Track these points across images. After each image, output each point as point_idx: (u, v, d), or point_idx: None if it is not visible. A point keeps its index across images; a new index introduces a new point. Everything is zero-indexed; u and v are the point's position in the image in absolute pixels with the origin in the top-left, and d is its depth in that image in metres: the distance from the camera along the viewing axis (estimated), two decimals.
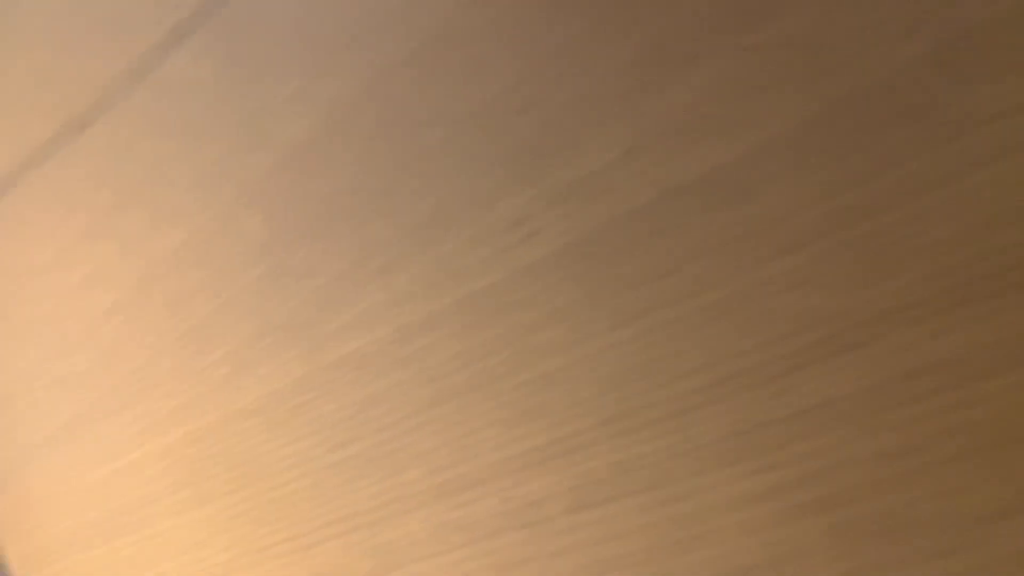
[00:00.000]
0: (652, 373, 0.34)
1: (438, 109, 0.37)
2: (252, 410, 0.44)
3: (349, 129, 0.39)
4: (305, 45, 0.39)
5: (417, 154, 0.37)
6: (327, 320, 0.41)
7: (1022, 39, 0.27)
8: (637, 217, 0.33)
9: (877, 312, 0.30)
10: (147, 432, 0.49)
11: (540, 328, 0.35)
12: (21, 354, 0.55)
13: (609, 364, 0.34)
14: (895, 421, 0.30)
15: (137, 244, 0.47)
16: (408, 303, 0.38)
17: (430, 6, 0.36)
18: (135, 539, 0.51)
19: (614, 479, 0.34)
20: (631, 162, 0.33)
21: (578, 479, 0.35)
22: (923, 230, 0.29)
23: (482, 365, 0.36)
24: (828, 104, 0.30)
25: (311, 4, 0.39)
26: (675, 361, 0.33)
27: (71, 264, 0.51)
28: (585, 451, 0.35)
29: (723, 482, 0.33)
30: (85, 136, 0.49)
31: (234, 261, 0.43)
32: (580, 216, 0.34)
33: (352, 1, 0.38)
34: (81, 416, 0.52)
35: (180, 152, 0.45)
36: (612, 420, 0.34)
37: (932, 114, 0.29)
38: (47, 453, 0.54)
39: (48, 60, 0.49)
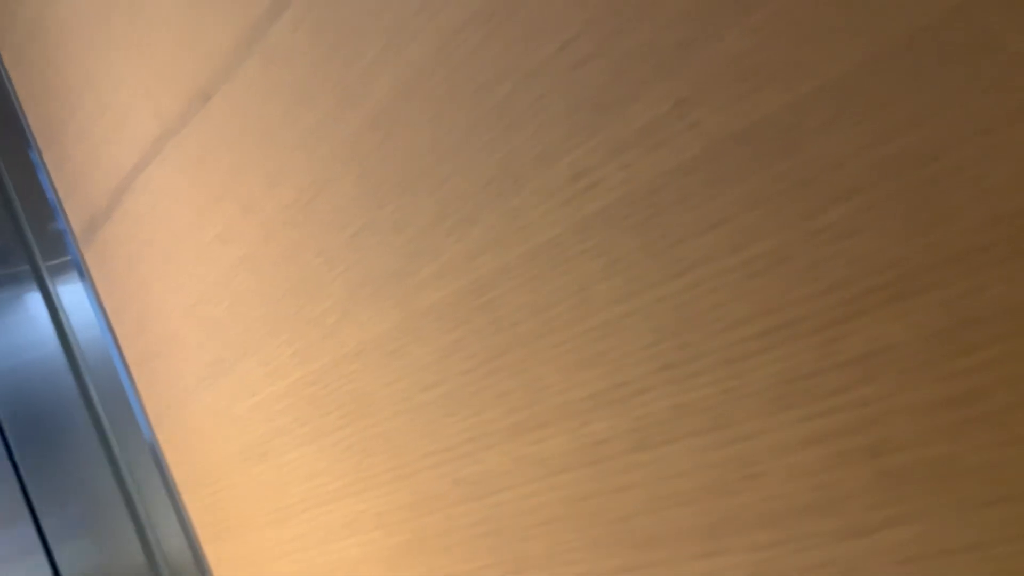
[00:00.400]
0: (707, 321, 0.34)
1: (502, 67, 0.38)
2: (356, 354, 0.49)
3: (423, 90, 0.41)
4: (381, 11, 0.42)
5: (485, 112, 0.39)
6: (415, 271, 0.44)
7: None
8: (690, 168, 0.34)
9: (932, 260, 0.29)
10: (273, 373, 0.55)
11: (600, 279, 0.37)
12: (178, 300, 0.62)
13: (665, 313, 0.35)
14: (950, 370, 0.29)
15: (256, 203, 0.52)
16: (481, 256, 0.40)
17: None
18: (271, 466, 0.57)
19: (672, 422, 0.36)
20: (685, 113, 0.34)
21: (638, 421, 0.37)
22: (980, 174, 0.28)
23: (547, 315, 0.38)
24: (880, 47, 0.29)
25: None
26: (729, 309, 0.34)
27: (206, 223, 0.57)
28: (644, 395, 0.36)
29: (776, 427, 0.33)
30: (209, 105, 0.54)
31: (334, 217, 0.47)
32: (636, 168, 0.35)
33: None
34: (223, 357, 0.58)
35: (285, 117, 0.49)
36: (669, 366, 0.35)
37: (986, 54, 0.27)
38: (202, 387, 0.62)
39: (176, 36, 0.54)
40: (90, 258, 0.70)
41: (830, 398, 0.32)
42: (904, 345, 0.30)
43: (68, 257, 0.77)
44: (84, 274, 0.72)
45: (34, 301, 0.81)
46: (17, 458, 0.78)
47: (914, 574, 0.31)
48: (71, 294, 0.78)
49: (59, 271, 0.78)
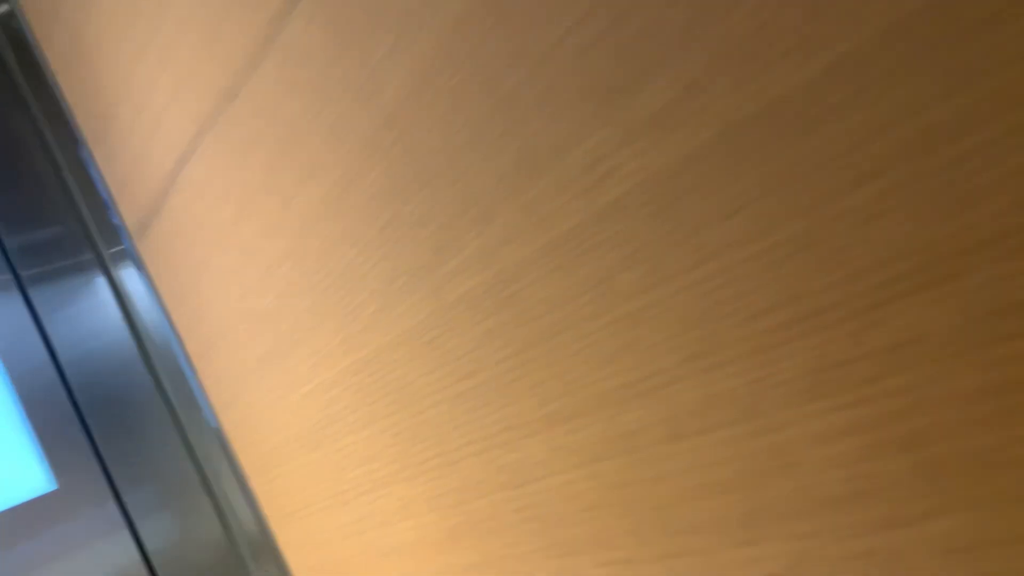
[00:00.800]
0: (732, 311, 0.33)
1: (513, 52, 0.37)
2: (396, 344, 0.49)
3: (436, 82, 0.40)
4: (388, 3, 0.41)
5: (495, 104, 0.38)
6: (441, 264, 0.44)
7: None
8: (706, 152, 0.32)
9: (966, 244, 0.27)
10: (322, 363, 0.56)
11: (622, 269, 0.36)
12: (228, 294, 0.64)
13: (690, 302, 0.34)
14: (986, 360, 0.28)
15: (292, 197, 0.53)
16: (502, 249, 0.40)
17: None
18: (326, 452, 0.59)
19: (703, 412, 0.35)
20: (696, 96, 0.32)
21: (670, 412, 0.36)
22: (1010, 152, 0.26)
23: (571, 307, 0.38)
24: (900, 16, 0.27)
25: None
26: (756, 298, 0.33)
27: (248, 216, 0.58)
28: (674, 386, 0.35)
29: (809, 416, 0.32)
30: (236, 104, 0.54)
31: (364, 211, 0.47)
32: (651, 155, 0.34)
33: None
34: (275, 348, 0.60)
35: (308, 112, 0.49)
36: (697, 356, 0.34)
37: (1016, 19, 0.25)
38: (257, 377, 0.64)
39: (198, 38, 0.55)
40: (145, 253, 0.72)
41: (862, 388, 0.31)
42: (936, 333, 0.29)
43: (123, 247, 0.80)
44: (142, 268, 0.74)
45: (101, 289, 0.85)
46: (98, 441, 0.83)
47: (960, 564, 0.30)
48: (135, 282, 0.81)
49: (122, 259, 0.81)
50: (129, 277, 0.80)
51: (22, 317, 0.83)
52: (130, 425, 0.82)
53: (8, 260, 0.84)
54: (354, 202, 0.48)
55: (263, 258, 0.58)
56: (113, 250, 0.82)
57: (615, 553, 0.41)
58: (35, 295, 0.84)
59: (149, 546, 0.82)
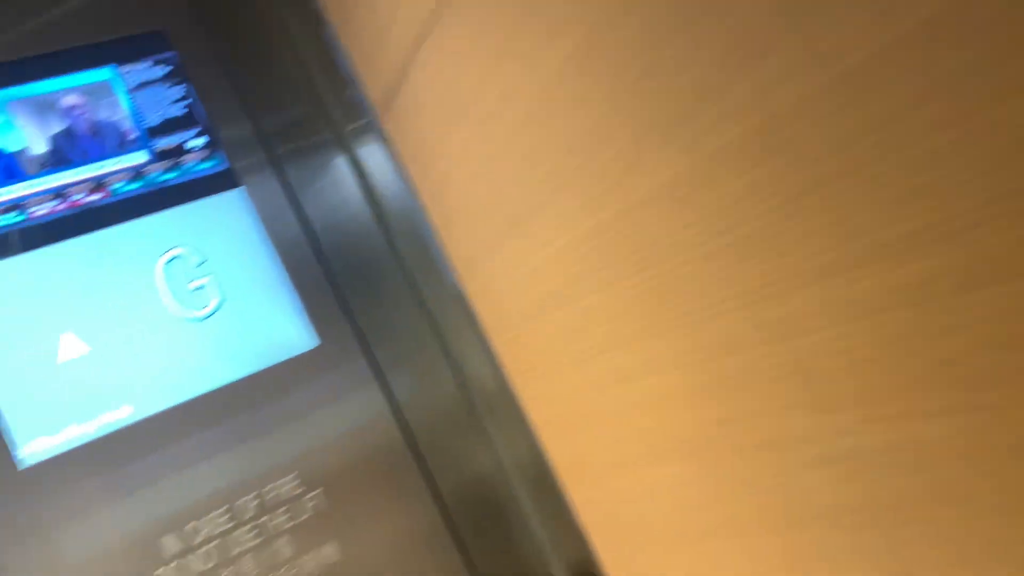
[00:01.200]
0: None
1: None
2: (646, 201, 0.49)
3: None
4: None
5: None
6: (701, 113, 0.42)
7: None
8: None
9: None
10: (566, 225, 0.57)
11: (918, 104, 0.33)
12: (470, 161, 0.66)
13: (1000, 137, 0.31)
14: None
15: (536, 59, 0.53)
16: (774, 90, 0.38)
17: None
18: (569, 311, 0.61)
19: (1008, 259, 0.32)
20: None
21: (968, 259, 0.33)
22: None
23: (857, 148, 0.35)
24: None
25: None
26: None
27: (489, 84, 0.59)
28: (975, 231, 0.33)
29: None
30: None
31: (615, 64, 0.46)
32: None
33: None
34: (517, 212, 0.62)
35: None
36: (1007, 196, 0.31)
37: None
38: (500, 241, 0.66)
39: None
40: (390, 126, 0.76)
41: None
42: None
43: (365, 121, 0.84)
44: (385, 141, 0.78)
45: (345, 163, 0.91)
46: (350, 303, 0.91)
47: None
48: (377, 155, 0.86)
49: (364, 134, 0.86)
50: (371, 151, 0.84)
51: (278, 193, 0.91)
52: (376, 289, 0.89)
53: (263, 140, 0.92)
54: (602, 58, 0.47)
55: (506, 124, 0.59)
56: (355, 126, 0.86)
57: (887, 408, 0.39)
58: (289, 171, 0.92)
59: (396, 397, 0.90)
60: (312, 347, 0.87)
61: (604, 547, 0.71)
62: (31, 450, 0.74)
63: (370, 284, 0.90)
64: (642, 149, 0.47)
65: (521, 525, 0.84)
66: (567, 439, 0.69)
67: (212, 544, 0.78)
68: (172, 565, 0.76)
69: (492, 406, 0.83)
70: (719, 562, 0.56)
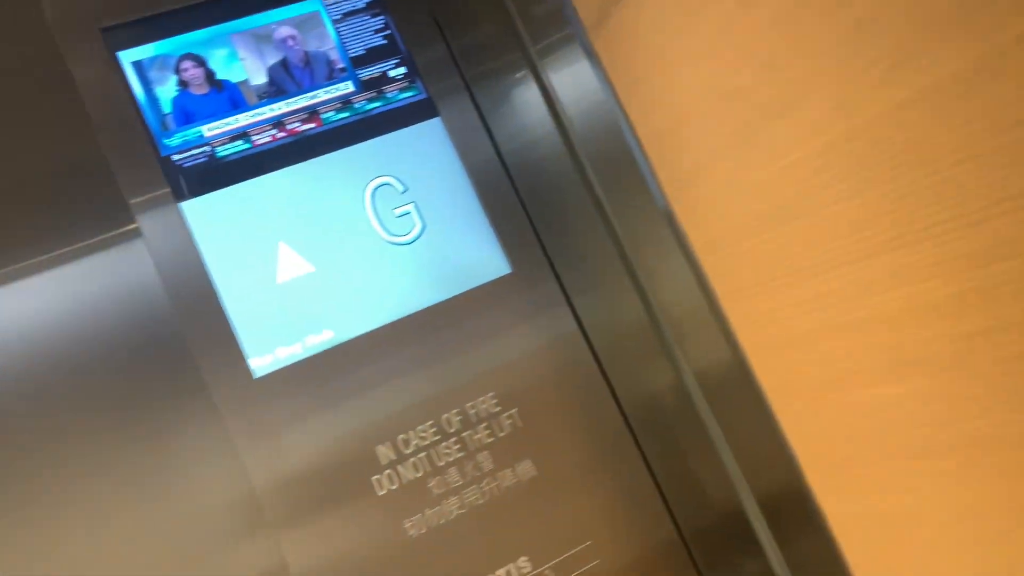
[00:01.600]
0: None
1: None
2: (912, 101, 0.47)
3: None
4: None
5: None
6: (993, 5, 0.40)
7: None
8: None
9: None
10: (808, 133, 0.55)
11: None
12: (695, 75, 0.66)
13: None
14: None
15: None
16: None
17: None
18: (801, 225, 0.60)
19: None
20: None
21: None
22: None
23: None
24: None
25: None
26: None
27: None
28: None
29: None
30: None
31: None
32: None
33: None
34: (747, 122, 0.61)
35: None
36: None
37: None
38: (720, 156, 0.66)
39: None
40: (600, 43, 0.75)
41: None
42: None
43: (561, 36, 0.84)
44: (588, 59, 0.78)
45: (533, 85, 0.91)
46: (539, 228, 0.92)
47: None
48: (565, 75, 0.86)
49: (552, 54, 0.86)
50: (563, 70, 0.85)
51: (473, 121, 0.93)
52: (564, 214, 0.90)
53: (458, 67, 0.94)
54: None
55: (745, 29, 0.58)
56: (546, 43, 0.87)
57: None
58: (481, 97, 0.93)
59: (584, 320, 0.91)
60: (504, 273, 0.90)
61: (812, 468, 0.70)
62: (258, 363, 0.80)
63: (558, 210, 0.91)
64: (918, 43, 0.45)
65: (709, 446, 0.85)
66: (779, 358, 0.68)
67: (421, 455, 0.82)
68: (386, 473, 0.81)
69: (683, 330, 0.83)
70: (959, 478, 0.55)
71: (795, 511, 0.74)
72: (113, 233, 0.81)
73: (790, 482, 0.74)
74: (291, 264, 0.84)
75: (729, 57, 0.60)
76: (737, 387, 0.77)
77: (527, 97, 0.90)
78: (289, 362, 0.81)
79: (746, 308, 0.71)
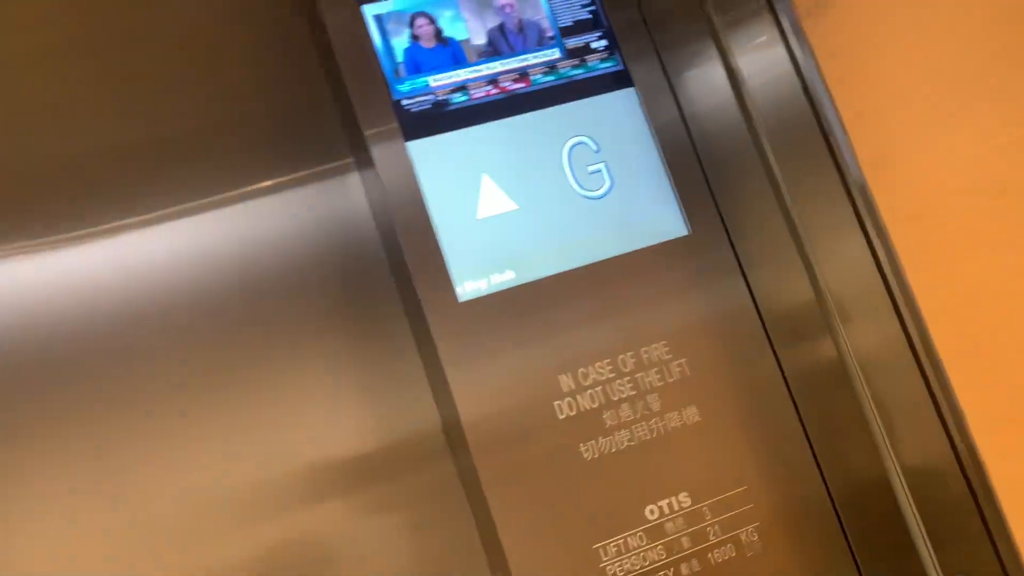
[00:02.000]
0: None
1: None
2: None
3: None
4: None
5: None
6: None
7: None
8: None
9: None
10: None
11: None
12: (900, 53, 0.71)
13: None
14: None
15: None
16: None
17: None
18: (1008, 201, 0.65)
19: None
20: None
21: None
22: None
23: None
24: None
25: None
26: None
27: None
28: None
29: None
30: None
31: None
32: None
33: None
34: (959, 101, 0.66)
35: None
36: None
37: None
38: (926, 134, 0.71)
39: None
40: (809, 21, 0.81)
41: None
42: None
43: (744, 10, 0.90)
44: (787, 34, 0.84)
45: (713, 56, 0.96)
46: (715, 193, 0.99)
47: None
48: (748, 45, 0.92)
49: (737, 23, 0.93)
50: (747, 41, 0.91)
51: (664, 92, 1.00)
52: (741, 184, 0.96)
53: (653, 41, 1.01)
54: None
55: (951, 9, 0.63)
56: (732, 16, 0.93)
57: None
58: (669, 64, 1.00)
59: (755, 288, 0.98)
60: (682, 235, 0.97)
61: (982, 433, 0.75)
62: (462, 290, 0.90)
63: (736, 178, 0.97)
64: None
65: (873, 419, 0.90)
66: (963, 326, 0.73)
67: (597, 388, 0.91)
68: (566, 400, 0.90)
69: (845, 314, 0.89)
70: None
71: (947, 497, 0.79)
72: (346, 160, 0.93)
73: (945, 462, 0.79)
74: (492, 202, 0.93)
75: (938, 35, 0.66)
76: (903, 369, 0.82)
77: (709, 64, 0.96)
78: (476, 295, 0.90)
79: (935, 279, 0.76)
